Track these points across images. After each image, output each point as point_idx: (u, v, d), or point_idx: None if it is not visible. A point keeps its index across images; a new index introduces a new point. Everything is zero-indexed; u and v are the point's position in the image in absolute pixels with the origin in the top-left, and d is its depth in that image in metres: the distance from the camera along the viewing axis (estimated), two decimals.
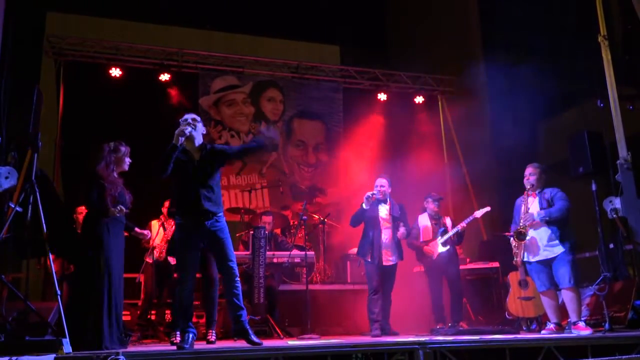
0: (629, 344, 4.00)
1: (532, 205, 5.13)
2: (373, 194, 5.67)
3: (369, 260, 5.69)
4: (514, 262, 5.25)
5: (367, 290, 6.51)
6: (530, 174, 5.23)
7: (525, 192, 5.26)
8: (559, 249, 4.95)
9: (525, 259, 5.12)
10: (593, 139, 6.13)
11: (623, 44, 7.15)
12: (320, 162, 9.95)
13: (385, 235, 5.74)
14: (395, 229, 5.78)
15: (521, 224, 5.05)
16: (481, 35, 10.25)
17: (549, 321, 5.11)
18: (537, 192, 5.19)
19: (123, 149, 4.47)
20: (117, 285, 4.22)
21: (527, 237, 5.01)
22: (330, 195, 9.76)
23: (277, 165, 9.47)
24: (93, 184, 4.27)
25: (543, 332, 5.03)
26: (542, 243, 4.99)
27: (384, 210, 5.84)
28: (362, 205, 5.71)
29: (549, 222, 4.99)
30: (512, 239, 5.21)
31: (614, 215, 5.40)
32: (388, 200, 5.87)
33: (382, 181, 5.88)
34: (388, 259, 5.70)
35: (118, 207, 4.21)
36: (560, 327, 5.02)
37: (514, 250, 5.16)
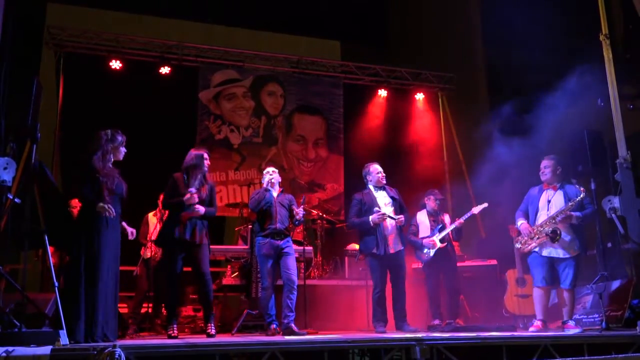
0: (626, 342, 4.02)
1: (553, 199, 5.11)
2: (383, 216, 5.49)
3: (375, 251, 5.49)
4: (520, 249, 5.18)
5: (364, 286, 6.53)
6: (545, 167, 5.20)
7: (544, 184, 5.23)
8: (574, 251, 4.97)
9: (536, 250, 5.08)
10: (593, 137, 6.12)
11: (624, 43, 7.14)
12: (319, 157, 9.94)
13: (389, 222, 5.55)
14: (398, 212, 5.62)
15: (548, 220, 4.99)
16: (482, 33, 10.23)
17: (535, 318, 5.13)
18: (557, 185, 5.17)
19: (120, 138, 4.41)
20: (112, 278, 4.17)
21: (559, 238, 4.94)
22: (329, 191, 9.76)
23: (277, 160, 9.46)
24: (87, 177, 4.21)
25: (531, 329, 5.03)
26: (560, 240, 4.97)
27: (384, 197, 5.69)
28: (369, 218, 5.49)
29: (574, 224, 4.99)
30: (520, 228, 5.17)
31: (613, 215, 5.40)
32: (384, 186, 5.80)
33: (379, 167, 5.80)
34: (393, 247, 5.54)
35: (106, 206, 4.11)
36: (545, 324, 5.03)
37: (524, 237, 5.09)
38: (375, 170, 5.78)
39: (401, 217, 5.58)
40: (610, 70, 5.63)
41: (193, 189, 4.93)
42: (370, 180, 5.80)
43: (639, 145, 5.84)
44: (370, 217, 5.50)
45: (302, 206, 5.58)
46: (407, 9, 12.30)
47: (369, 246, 5.55)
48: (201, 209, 4.96)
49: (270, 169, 5.70)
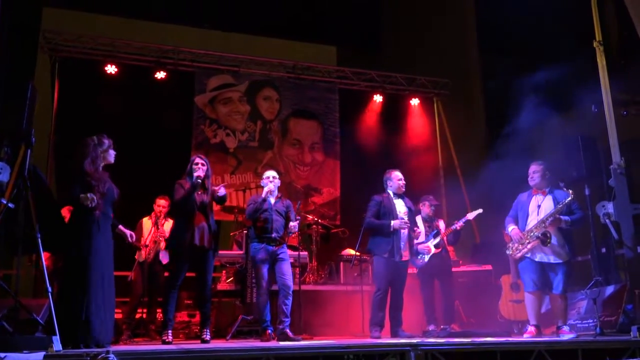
0: (620, 348, 4.02)
1: (543, 203, 5.12)
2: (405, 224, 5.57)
3: (386, 256, 5.51)
4: (511, 255, 5.20)
5: (359, 292, 6.52)
6: (534, 172, 5.21)
7: (533, 189, 5.25)
8: (565, 256, 4.99)
9: (529, 256, 5.07)
10: (587, 143, 6.16)
11: (618, 50, 7.19)
12: (315, 161, 9.94)
13: (404, 230, 5.62)
14: (411, 223, 5.71)
15: (538, 224, 5.01)
16: (477, 39, 10.29)
17: (528, 323, 5.14)
18: (546, 190, 5.19)
19: (107, 141, 4.39)
20: (106, 283, 4.14)
21: (549, 241, 4.95)
22: (325, 195, 9.77)
23: (273, 164, 9.45)
24: (78, 181, 4.18)
25: (525, 335, 5.03)
26: (550, 246, 4.99)
27: (401, 205, 5.74)
28: (390, 224, 5.53)
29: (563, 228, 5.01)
30: (511, 233, 5.18)
31: (607, 220, 5.42)
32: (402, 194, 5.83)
33: (401, 175, 5.81)
34: (404, 255, 5.60)
35: (89, 195, 4.07)
36: (539, 330, 5.04)
37: (515, 244, 5.11)
38: (397, 177, 5.81)
39: (419, 230, 5.77)
40: (604, 77, 5.66)
41: (194, 177, 5.07)
42: (390, 186, 5.82)
43: (632, 151, 5.88)
44: (393, 222, 5.54)
45: (297, 212, 5.58)
46: (402, 14, 12.35)
47: (382, 249, 5.57)
48: (222, 190, 5.22)
49: (271, 174, 5.60)
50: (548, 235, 4.94)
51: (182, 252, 5.02)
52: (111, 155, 4.44)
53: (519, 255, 5.11)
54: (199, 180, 5.06)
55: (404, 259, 5.61)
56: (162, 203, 6.46)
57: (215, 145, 9.36)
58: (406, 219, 5.64)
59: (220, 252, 6.76)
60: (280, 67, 9.97)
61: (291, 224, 5.41)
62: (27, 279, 6.56)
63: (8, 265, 5.99)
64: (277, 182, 5.59)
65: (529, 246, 5.04)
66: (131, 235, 4.88)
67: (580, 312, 5.81)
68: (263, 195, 5.44)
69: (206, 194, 5.18)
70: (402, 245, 5.58)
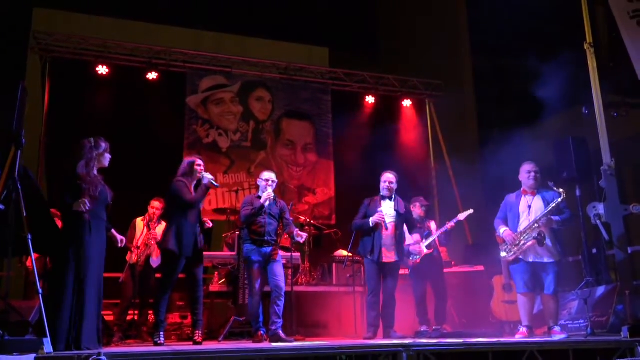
0: (610, 348, 4.05)
1: (533, 203, 5.13)
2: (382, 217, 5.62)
3: (369, 257, 5.59)
4: (505, 257, 5.21)
5: (351, 293, 6.54)
6: (535, 172, 5.20)
7: (522, 190, 5.27)
8: (557, 256, 5.02)
9: (521, 257, 5.09)
10: (578, 144, 6.20)
11: (608, 52, 7.24)
12: (309, 162, 9.95)
13: (387, 232, 5.64)
14: (399, 225, 5.72)
15: (531, 225, 5.03)
16: (469, 41, 10.35)
17: (520, 324, 5.16)
18: (535, 190, 5.21)
19: (104, 145, 4.34)
20: (96, 285, 4.10)
21: (544, 241, 4.98)
22: (319, 195, 9.78)
23: (266, 164, 9.45)
24: (69, 185, 4.14)
25: (517, 335, 5.04)
26: (542, 247, 5.02)
27: (388, 208, 5.75)
28: (369, 220, 5.61)
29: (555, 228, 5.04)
30: (503, 235, 5.18)
31: (598, 221, 5.45)
32: (394, 196, 5.79)
33: (390, 177, 5.80)
34: (387, 256, 5.60)
35: (80, 200, 4.03)
36: (531, 330, 5.06)
37: (509, 246, 5.12)
38: (383, 179, 5.83)
39: (387, 224, 5.64)
40: (595, 79, 5.70)
41: (207, 179, 5.08)
42: (380, 188, 5.86)
43: (623, 153, 5.92)
44: (371, 218, 5.63)
45: (290, 209, 5.61)
46: (395, 16, 12.39)
47: (365, 249, 5.67)
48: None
49: (270, 177, 5.53)
50: (543, 235, 4.96)
51: (180, 254, 4.97)
52: (106, 159, 4.38)
53: (513, 257, 5.12)
54: (215, 184, 5.10)
55: (385, 260, 5.59)
56: (156, 205, 6.40)
57: (207, 145, 9.35)
58: (389, 220, 5.64)
59: (212, 253, 6.76)
60: (273, 68, 9.97)
61: (299, 232, 5.44)
62: (17, 280, 6.51)
63: None
64: (275, 184, 5.56)
65: (524, 247, 5.05)
66: (122, 241, 4.81)
67: (571, 313, 5.85)
68: (262, 202, 5.38)
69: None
70: (383, 245, 5.59)
